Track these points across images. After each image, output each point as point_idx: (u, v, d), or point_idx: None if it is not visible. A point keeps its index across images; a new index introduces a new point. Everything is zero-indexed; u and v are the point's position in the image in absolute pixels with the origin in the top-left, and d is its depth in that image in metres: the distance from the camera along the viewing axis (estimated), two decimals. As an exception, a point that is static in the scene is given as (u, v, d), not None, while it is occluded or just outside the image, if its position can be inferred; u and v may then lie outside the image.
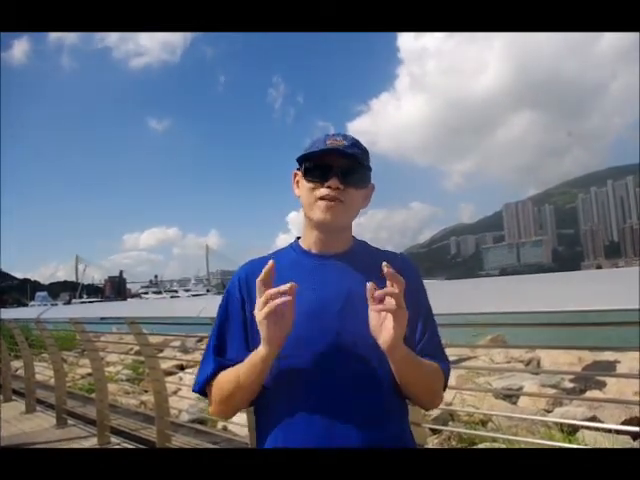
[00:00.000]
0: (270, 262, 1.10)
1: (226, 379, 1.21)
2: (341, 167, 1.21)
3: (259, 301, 1.08)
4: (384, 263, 1.05)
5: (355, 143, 1.25)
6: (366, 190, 1.30)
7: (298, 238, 1.35)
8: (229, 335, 1.27)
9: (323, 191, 1.21)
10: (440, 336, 1.32)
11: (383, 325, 1.07)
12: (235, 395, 1.20)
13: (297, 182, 1.30)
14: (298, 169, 1.29)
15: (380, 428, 1.17)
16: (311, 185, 1.23)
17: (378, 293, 1.05)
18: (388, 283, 1.05)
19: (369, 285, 1.06)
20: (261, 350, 1.11)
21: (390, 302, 1.05)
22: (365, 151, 1.27)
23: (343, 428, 1.14)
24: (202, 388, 1.28)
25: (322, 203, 1.21)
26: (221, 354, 1.26)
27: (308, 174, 1.25)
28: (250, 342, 1.24)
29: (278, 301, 1.05)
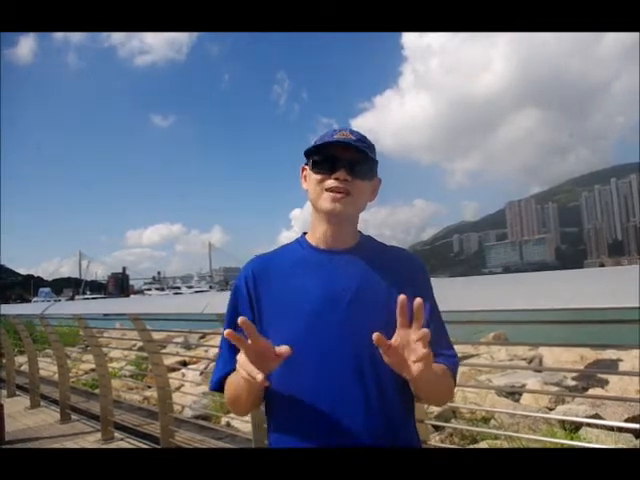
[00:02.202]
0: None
1: (231, 386, 1.24)
2: (348, 159, 1.22)
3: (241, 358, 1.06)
4: (417, 300, 1.02)
5: (362, 138, 1.26)
6: (373, 183, 1.31)
7: (304, 234, 1.35)
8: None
9: (330, 182, 1.22)
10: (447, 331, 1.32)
11: (410, 364, 1.04)
12: (239, 399, 1.23)
13: (305, 176, 1.32)
14: (306, 163, 1.31)
15: (386, 424, 1.18)
16: (319, 177, 1.25)
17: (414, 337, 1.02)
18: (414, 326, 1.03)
19: (401, 298, 1.04)
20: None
21: (422, 350, 1.00)
22: (372, 145, 1.29)
23: (349, 424, 1.15)
24: (216, 388, 1.30)
25: (329, 194, 1.22)
26: (233, 354, 1.25)
27: (316, 166, 1.26)
28: None
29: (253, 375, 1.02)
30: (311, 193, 1.27)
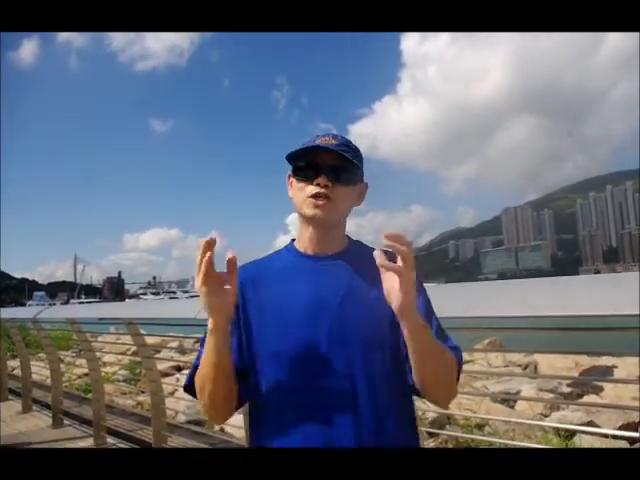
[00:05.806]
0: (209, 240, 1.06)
1: (199, 372, 1.20)
2: (329, 165, 1.21)
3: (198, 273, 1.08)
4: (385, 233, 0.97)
5: (345, 142, 1.25)
6: (358, 187, 1.30)
7: (293, 240, 1.35)
8: None
9: (312, 189, 1.22)
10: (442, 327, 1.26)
11: (394, 289, 1.01)
12: (206, 384, 1.18)
13: (290, 183, 1.31)
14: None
15: (377, 428, 1.16)
16: (301, 184, 1.24)
17: (383, 263, 0.99)
18: (394, 245, 0.97)
19: (377, 251, 1.00)
20: (209, 322, 1.13)
21: (396, 264, 0.98)
22: (355, 150, 1.27)
23: (340, 428, 1.13)
24: (187, 387, 1.27)
25: (311, 200, 1.21)
26: None
27: (297, 172, 1.26)
28: (244, 346, 1.24)
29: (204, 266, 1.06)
30: (295, 200, 1.27)
